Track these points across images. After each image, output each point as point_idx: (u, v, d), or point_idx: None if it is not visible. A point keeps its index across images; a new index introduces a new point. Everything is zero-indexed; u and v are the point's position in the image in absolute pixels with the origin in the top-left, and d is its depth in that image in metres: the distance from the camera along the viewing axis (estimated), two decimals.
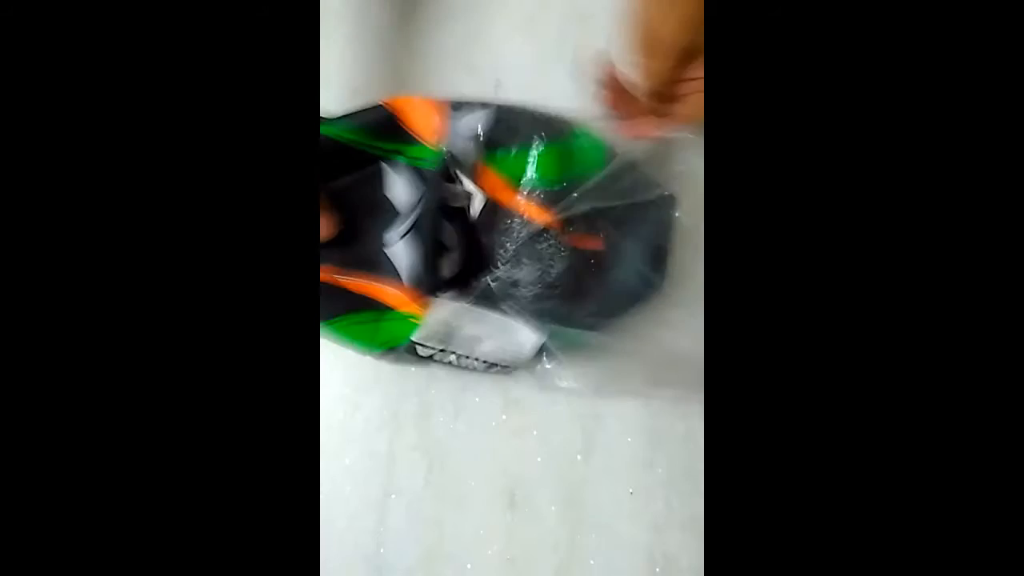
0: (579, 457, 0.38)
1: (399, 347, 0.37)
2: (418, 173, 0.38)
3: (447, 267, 0.37)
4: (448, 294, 0.36)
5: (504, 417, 0.39)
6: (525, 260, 0.36)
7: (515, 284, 0.36)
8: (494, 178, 0.38)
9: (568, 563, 0.37)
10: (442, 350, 0.37)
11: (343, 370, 0.41)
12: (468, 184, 0.37)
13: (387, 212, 0.38)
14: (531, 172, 0.37)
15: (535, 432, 0.39)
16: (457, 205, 0.37)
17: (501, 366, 0.38)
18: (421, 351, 0.37)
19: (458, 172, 0.37)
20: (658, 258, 0.38)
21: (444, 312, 0.36)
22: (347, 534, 0.39)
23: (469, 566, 0.38)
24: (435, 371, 0.40)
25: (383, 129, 0.38)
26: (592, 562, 0.37)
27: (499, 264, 0.37)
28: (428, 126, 0.38)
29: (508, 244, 0.37)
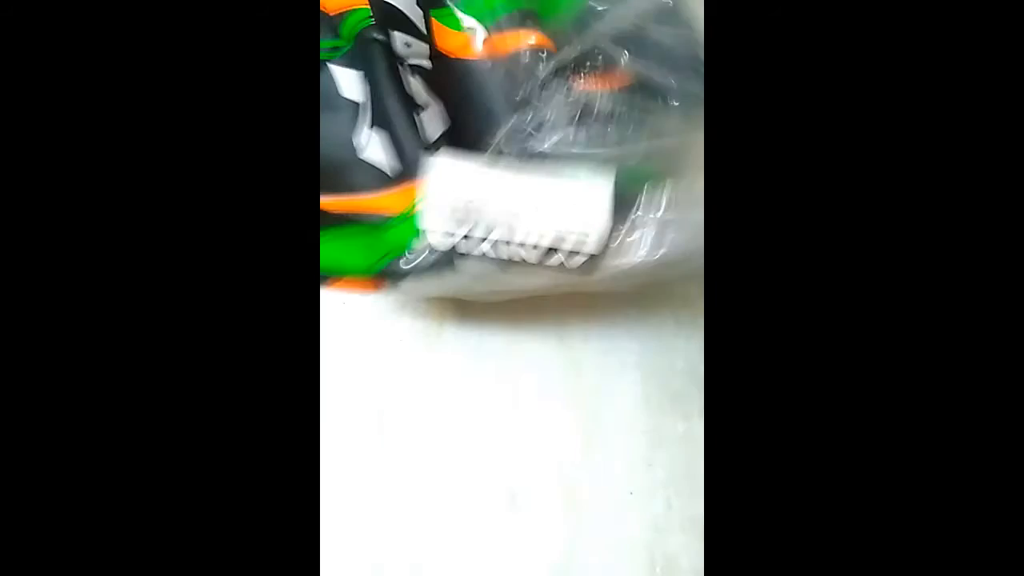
0: (579, 457, 0.38)
1: (405, 257, 0.29)
2: (359, 53, 0.32)
3: (430, 127, 0.30)
4: (447, 155, 0.29)
5: (503, 416, 0.39)
6: (539, 104, 0.29)
7: (540, 129, 0.29)
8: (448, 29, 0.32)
9: (568, 563, 0.37)
10: (468, 238, 0.28)
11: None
12: (419, 35, 0.31)
13: (348, 113, 0.32)
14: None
15: (535, 432, 0.39)
16: (415, 62, 0.31)
17: (567, 251, 0.28)
18: (439, 242, 0.28)
19: (403, 27, 0.31)
20: (697, 74, 0.31)
21: (452, 177, 0.28)
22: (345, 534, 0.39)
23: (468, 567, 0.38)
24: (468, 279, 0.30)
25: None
26: (592, 562, 0.37)
27: (506, 111, 0.29)
28: None
29: (510, 89, 0.30)
